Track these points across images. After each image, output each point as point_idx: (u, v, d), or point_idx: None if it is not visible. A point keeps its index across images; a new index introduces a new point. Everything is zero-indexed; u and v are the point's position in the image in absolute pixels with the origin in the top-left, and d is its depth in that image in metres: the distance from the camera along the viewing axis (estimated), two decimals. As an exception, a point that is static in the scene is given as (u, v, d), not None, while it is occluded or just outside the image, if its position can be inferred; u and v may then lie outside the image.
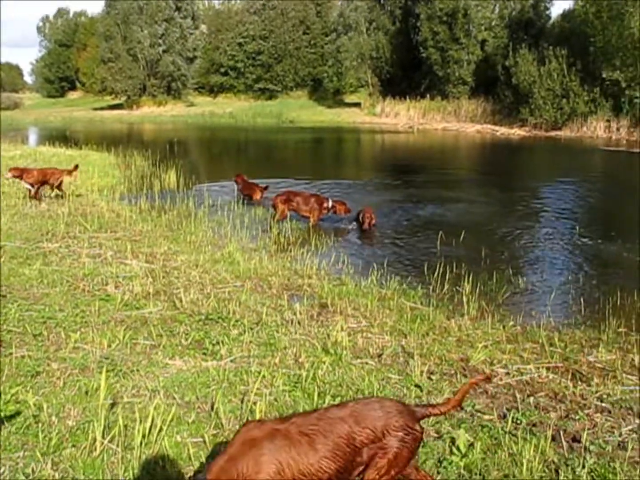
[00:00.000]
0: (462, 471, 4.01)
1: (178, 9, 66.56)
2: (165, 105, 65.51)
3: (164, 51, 65.61)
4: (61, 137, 31.41)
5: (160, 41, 65.10)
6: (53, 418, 4.30)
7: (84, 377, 4.89)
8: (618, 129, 36.20)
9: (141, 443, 4.03)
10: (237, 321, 6.35)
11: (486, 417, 4.72)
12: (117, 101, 68.42)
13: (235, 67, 74.17)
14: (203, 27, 71.44)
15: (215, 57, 74.60)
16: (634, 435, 4.56)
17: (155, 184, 15.69)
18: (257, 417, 4.38)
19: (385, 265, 9.07)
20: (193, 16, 68.69)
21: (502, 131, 40.41)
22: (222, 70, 74.80)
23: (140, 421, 4.12)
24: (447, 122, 45.95)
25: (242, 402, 4.72)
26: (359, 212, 12.45)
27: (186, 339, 5.85)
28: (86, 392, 4.66)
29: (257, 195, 15.26)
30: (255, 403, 4.59)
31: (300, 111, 57.34)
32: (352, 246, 10.88)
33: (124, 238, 9.83)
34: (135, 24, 64.45)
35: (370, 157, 30.57)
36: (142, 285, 7.28)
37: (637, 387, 5.38)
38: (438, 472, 3.99)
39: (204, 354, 5.58)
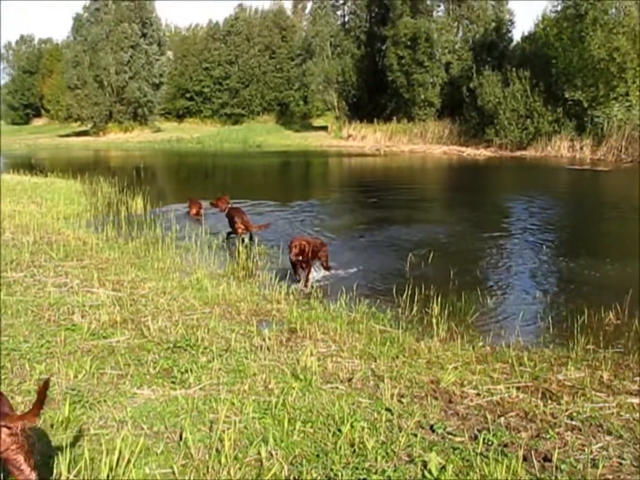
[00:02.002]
0: (434, 495, 3.99)
1: (144, 35, 66.54)
2: (132, 131, 65.25)
3: (130, 77, 65.45)
4: (26, 164, 31.05)
5: (126, 68, 64.95)
6: (17, 453, 4.20)
7: (50, 410, 4.77)
8: (582, 148, 36.79)
9: (108, 476, 3.96)
10: (205, 348, 6.29)
11: (457, 439, 4.71)
12: (83, 128, 67.95)
13: (202, 92, 74.36)
14: (169, 53, 71.47)
15: (182, 83, 74.71)
16: (605, 452, 4.58)
17: (122, 210, 15.56)
18: (227, 445, 4.34)
19: (354, 288, 9.05)
20: (159, 42, 68.69)
21: (469, 152, 40.82)
22: (189, 95, 74.91)
23: (107, 453, 4.06)
24: (414, 144, 46.33)
25: (211, 430, 4.66)
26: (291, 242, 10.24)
27: (154, 368, 5.77)
28: (51, 425, 4.56)
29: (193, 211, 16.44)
30: (224, 431, 4.54)
31: (268, 135, 57.46)
32: (320, 270, 10.84)
33: (90, 266, 9.71)
34: (101, 50, 64.30)
35: (338, 179, 30.71)
36: (109, 313, 7.19)
37: (606, 404, 5.42)
38: (410, 497, 3.97)
39: (173, 382, 5.51)
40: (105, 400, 5.04)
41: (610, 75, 34.56)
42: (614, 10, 35.00)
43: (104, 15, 64.43)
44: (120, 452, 4.11)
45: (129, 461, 4.10)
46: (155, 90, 67.87)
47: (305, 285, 9.74)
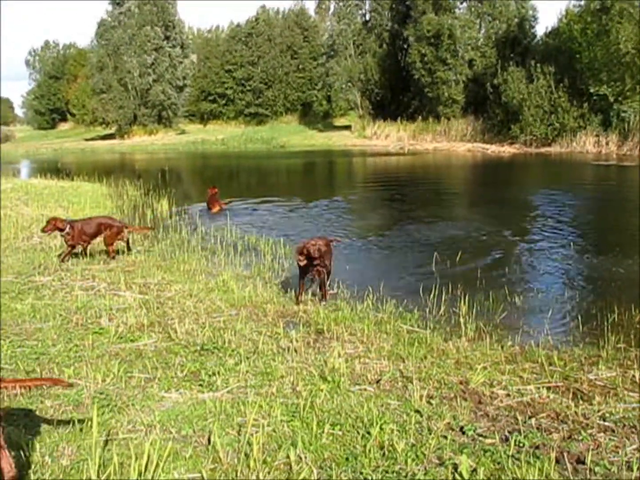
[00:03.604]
0: (465, 498, 3.94)
1: (167, 38, 66.99)
2: (156, 134, 65.70)
3: (154, 80, 65.93)
4: (53, 169, 31.38)
5: (150, 71, 65.44)
6: (46, 458, 4.20)
7: (78, 414, 4.80)
8: (607, 144, 36.41)
9: (136, 481, 3.95)
10: (233, 351, 6.28)
11: (488, 440, 4.64)
12: (108, 131, 68.58)
13: (225, 94, 74.73)
14: (192, 56, 71.84)
15: (205, 85, 75.13)
16: (639, 454, 4.49)
17: (147, 213, 15.65)
18: (255, 449, 4.31)
19: (380, 288, 8.99)
20: (182, 45, 69.12)
21: (493, 149, 40.57)
22: (212, 97, 75.28)
23: (136, 458, 4.04)
24: (438, 142, 46.18)
25: (239, 434, 4.64)
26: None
27: (182, 371, 5.77)
28: (80, 430, 4.56)
29: (215, 209, 16.91)
30: (252, 435, 4.51)
31: (291, 136, 57.56)
32: (346, 270, 10.80)
33: (117, 269, 9.76)
34: (125, 54, 64.81)
35: (362, 178, 30.62)
36: (136, 316, 7.21)
37: (639, 405, 5.32)
38: (442, 500, 3.92)
39: (200, 385, 5.50)
40: (133, 404, 5.04)
41: (636, 69, 34.11)
42: (639, 2, 34.50)
43: (126, 20, 64.93)
44: (149, 457, 4.09)
45: (157, 465, 4.09)
46: (179, 92, 68.30)
47: (324, 297, 8.69)
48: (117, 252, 10.89)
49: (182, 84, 68.89)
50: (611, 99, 35.70)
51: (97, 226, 10.60)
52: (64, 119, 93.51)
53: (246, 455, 4.34)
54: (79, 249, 10.63)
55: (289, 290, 9.15)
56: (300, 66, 72.77)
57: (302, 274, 8.63)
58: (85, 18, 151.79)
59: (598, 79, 36.06)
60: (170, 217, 15.52)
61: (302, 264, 8.40)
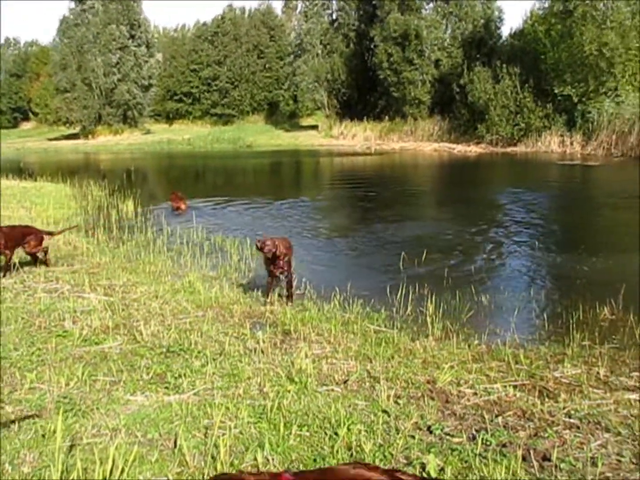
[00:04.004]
0: (433, 498, 3.95)
1: (132, 36, 66.37)
2: (121, 133, 65.06)
3: (119, 80, 65.28)
4: (15, 168, 30.91)
5: (115, 70, 64.78)
6: (7, 465, 4.12)
7: (41, 419, 4.72)
8: (572, 143, 36.91)
9: (101, 487, 3.90)
10: (199, 352, 6.23)
11: (455, 439, 4.66)
12: (72, 131, 67.74)
13: (191, 94, 74.33)
14: (158, 55, 71.29)
15: (171, 84, 74.62)
16: (604, 450, 4.54)
17: (113, 214, 15.49)
18: (222, 451, 4.28)
19: (347, 288, 9.00)
20: (147, 44, 68.53)
21: (459, 149, 40.87)
22: (178, 97, 74.82)
23: (101, 463, 3.99)
24: (404, 141, 46.39)
25: (206, 436, 4.60)
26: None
27: (147, 373, 5.70)
28: (43, 435, 4.48)
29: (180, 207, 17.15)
30: (219, 437, 4.48)
31: (258, 135, 57.42)
32: (313, 270, 10.79)
33: (81, 271, 9.63)
34: (89, 52, 64.06)
35: (329, 178, 30.63)
36: (100, 319, 7.12)
37: (604, 401, 5.38)
38: (409, 500, 3.91)
39: (166, 388, 5.44)
40: (98, 408, 4.97)
41: (599, 70, 34.63)
42: (602, 5, 35.03)
43: (90, 17, 64.16)
44: (113, 461, 4.04)
45: (122, 470, 4.04)
46: (145, 92, 67.73)
47: (291, 298, 8.64)
48: (81, 254, 10.75)
49: (148, 83, 68.31)
50: (575, 100, 36.20)
51: (20, 234, 9.60)
52: (26, 118, 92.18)
53: (213, 457, 4.31)
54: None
55: (255, 290, 9.11)
56: (267, 66, 72.64)
57: (270, 272, 8.61)
58: (47, 15, 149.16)
59: (562, 80, 36.56)
60: (136, 217, 15.35)
61: (268, 255, 8.36)
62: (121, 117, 66.72)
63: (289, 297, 8.64)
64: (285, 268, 8.61)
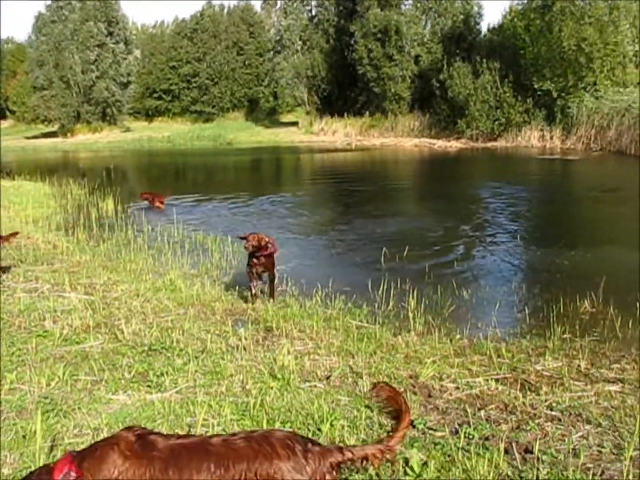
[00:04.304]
0: (417, 491, 3.96)
1: (110, 33, 65.81)
2: (100, 131, 64.54)
3: (97, 77, 64.71)
4: (-7, 168, 30.61)
5: (93, 67, 64.19)
6: (-12, 467, 4.09)
7: (22, 420, 4.67)
8: (551, 138, 37.12)
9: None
10: (181, 350, 6.21)
11: (438, 434, 4.69)
12: (50, 129, 67.11)
13: (170, 91, 73.87)
14: (136, 52, 70.80)
15: (150, 81, 74.13)
16: (585, 441, 4.59)
17: (92, 212, 15.37)
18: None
19: (329, 284, 8.99)
20: (126, 41, 67.99)
21: (440, 144, 40.96)
22: (157, 94, 74.39)
23: (82, 463, 3.96)
24: (385, 137, 46.42)
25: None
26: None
27: (129, 372, 5.67)
28: (24, 436, 4.45)
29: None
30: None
31: (238, 132, 57.23)
32: (295, 267, 10.79)
33: (61, 270, 9.56)
34: (66, 49, 63.45)
35: (310, 174, 30.61)
36: (81, 318, 7.07)
37: (584, 393, 5.43)
38: (393, 495, 3.93)
39: (148, 386, 5.42)
40: (79, 408, 4.93)
41: (578, 65, 34.86)
42: (580, 1, 35.25)
43: (68, 14, 63.53)
44: (95, 461, 4.01)
45: (105, 470, 4.01)
46: (124, 89, 67.21)
47: (272, 296, 8.61)
48: (61, 253, 10.68)
49: (127, 80, 67.80)
50: (555, 95, 36.41)
51: None
52: (3, 117, 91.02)
53: (196, 456, 4.29)
54: None
55: (237, 288, 9.09)
56: (247, 62, 72.34)
57: (250, 266, 8.51)
58: (22, 11, 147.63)
59: (542, 75, 36.76)
60: (116, 215, 15.26)
61: (250, 249, 8.31)
62: (100, 114, 66.17)
63: (272, 294, 8.55)
64: (268, 266, 8.52)
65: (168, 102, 74.65)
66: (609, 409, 5.12)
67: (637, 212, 15.18)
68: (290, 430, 3.64)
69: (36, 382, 5.35)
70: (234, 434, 3.12)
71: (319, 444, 3.18)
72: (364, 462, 3.28)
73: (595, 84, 35.09)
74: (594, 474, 4.14)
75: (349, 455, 3.18)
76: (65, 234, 12.99)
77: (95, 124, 65.38)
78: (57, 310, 7.41)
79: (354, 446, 3.37)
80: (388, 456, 3.34)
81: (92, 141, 58.79)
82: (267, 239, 8.52)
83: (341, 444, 3.90)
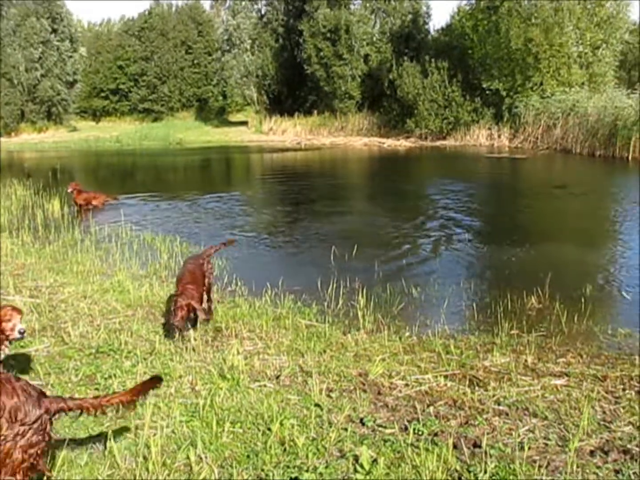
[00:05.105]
0: (366, 489, 3.99)
1: (54, 31, 64.51)
2: (46, 131, 63.24)
3: (42, 75, 63.38)
4: None
5: (37, 65, 62.87)
6: None
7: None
8: (499, 137, 37.63)
9: (27, 495, 3.79)
10: (129, 352, 6.15)
11: (388, 430, 4.73)
12: (-8, 129, 65.56)
13: (118, 90, 72.89)
14: (82, 50, 69.58)
15: (97, 81, 73.03)
16: (531, 434, 4.69)
17: (38, 214, 15.06)
18: (153, 451, 4.23)
19: (279, 284, 8.98)
20: (71, 39, 66.72)
21: (389, 143, 41.18)
22: (104, 94, 73.32)
23: (27, 469, 3.88)
24: (335, 136, 46.49)
25: (137, 437, 4.55)
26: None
27: (76, 375, 5.61)
28: (-35, 444, 4.35)
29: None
30: (151, 437, 4.43)
31: (188, 132, 56.68)
32: (243, 267, 10.73)
33: (5, 273, 9.34)
34: (9, 46, 62.01)
35: (260, 174, 30.47)
36: (26, 321, 6.91)
37: (531, 387, 5.53)
38: (343, 492, 3.95)
39: (96, 389, 5.36)
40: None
41: (525, 65, 35.41)
42: (526, 2, 35.81)
43: (8, 10, 62.08)
44: (41, 467, 3.94)
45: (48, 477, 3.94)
46: (69, 88, 65.96)
47: (208, 318, 7.18)
48: (5, 255, 10.45)
49: (73, 79, 66.55)
50: (503, 94, 36.92)
51: None
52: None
53: (145, 458, 4.27)
54: None
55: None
56: (196, 61, 71.72)
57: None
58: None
59: (490, 74, 37.25)
60: (63, 217, 14.97)
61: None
62: (45, 114, 64.81)
63: (208, 311, 7.32)
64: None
65: (115, 102, 73.65)
66: (555, 402, 5.23)
67: (583, 209, 15.56)
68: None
69: (-21, 387, 5.23)
70: None
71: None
72: (82, 411, 3.98)
73: (541, 83, 35.67)
74: (540, 466, 4.24)
75: (70, 404, 3.93)
76: (9, 236, 12.69)
77: (40, 124, 64.00)
78: (0, 314, 7.24)
79: (73, 398, 4.10)
80: (99, 412, 4.01)
81: (37, 141, 57.52)
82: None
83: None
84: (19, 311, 5.14)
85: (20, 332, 5.02)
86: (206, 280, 7.50)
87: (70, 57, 65.83)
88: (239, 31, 58.30)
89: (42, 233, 13.04)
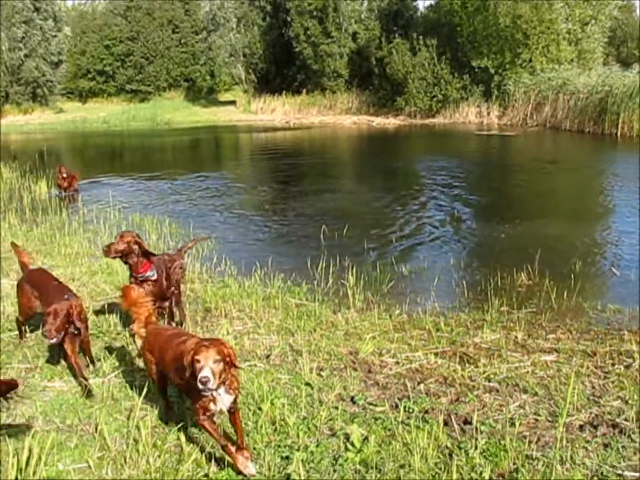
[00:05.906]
0: (358, 467, 4.00)
1: (37, 9, 63.62)
2: (32, 113, 62.62)
3: (25, 55, 62.65)
4: None
5: (20, 45, 62.11)
6: None
7: (-49, 412, 4.55)
8: (489, 114, 37.55)
9: (16, 479, 3.76)
10: (118, 334, 6.12)
11: (378, 409, 4.73)
12: (-23, 111, 64.91)
13: (104, 71, 72.20)
14: (67, 29, 68.75)
15: (83, 61, 72.31)
16: (522, 410, 4.70)
17: (25, 196, 14.94)
18: (144, 433, 4.21)
19: (269, 263, 8.95)
20: (55, 17, 65.88)
21: (378, 121, 41.03)
22: (91, 75, 72.64)
23: (15, 454, 3.85)
24: (324, 115, 46.28)
25: (128, 419, 4.53)
26: None
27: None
28: (-47, 428, 4.33)
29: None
30: (142, 419, 4.41)
31: (176, 112, 56.26)
32: (233, 246, 10.70)
33: (-8, 256, 9.28)
34: (-10, 26, 61.20)
35: (249, 153, 30.32)
36: (14, 304, 6.87)
37: (521, 364, 5.54)
38: (334, 470, 3.95)
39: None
40: (12, 397, 4.80)
41: (514, 42, 35.26)
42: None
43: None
44: (30, 451, 3.91)
45: (39, 459, 3.92)
46: (55, 69, 65.26)
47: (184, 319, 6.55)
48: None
49: (58, 59, 65.84)
50: (492, 71, 36.78)
51: None
52: None
53: (135, 440, 4.25)
54: None
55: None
56: (182, 41, 71.05)
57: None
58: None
59: (479, 52, 37.08)
60: (50, 199, 14.86)
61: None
62: (30, 95, 64.14)
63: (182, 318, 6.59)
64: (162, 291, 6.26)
65: (102, 83, 72.98)
66: (545, 378, 5.24)
67: (572, 185, 15.58)
68: None
69: (-33, 371, 5.21)
70: None
71: None
72: None
73: (530, 60, 35.55)
74: (530, 441, 4.25)
75: None
76: (-4, 219, 12.59)
77: (25, 105, 63.36)
78: (-12, 298, 7.20)
79: None
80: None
81: (22, 123, 56.98)
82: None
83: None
84: None
85: None
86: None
87: (55, 36, 64.89)
88: (223, 10, 57.71)
89: (30, 215, 12.95)
